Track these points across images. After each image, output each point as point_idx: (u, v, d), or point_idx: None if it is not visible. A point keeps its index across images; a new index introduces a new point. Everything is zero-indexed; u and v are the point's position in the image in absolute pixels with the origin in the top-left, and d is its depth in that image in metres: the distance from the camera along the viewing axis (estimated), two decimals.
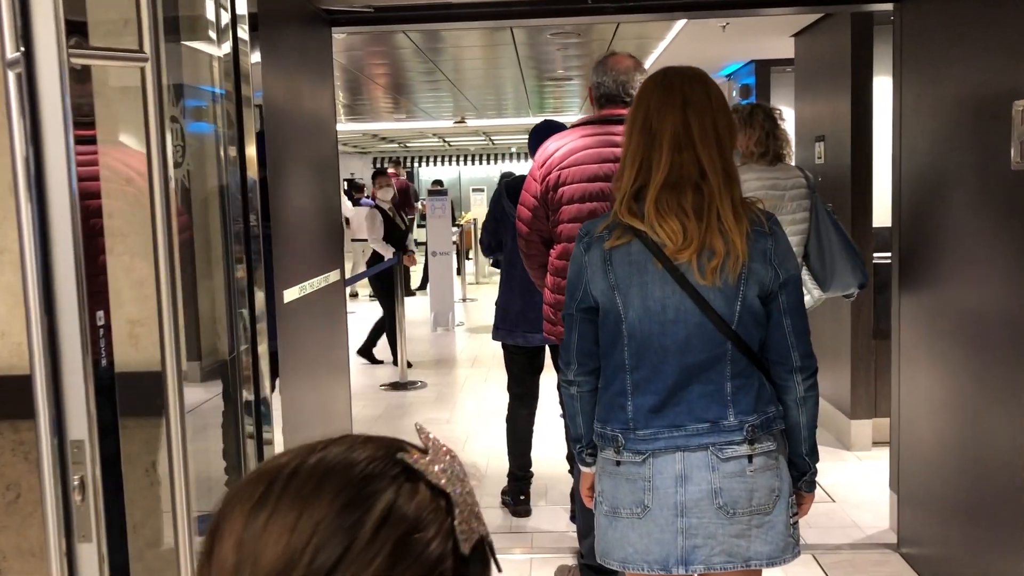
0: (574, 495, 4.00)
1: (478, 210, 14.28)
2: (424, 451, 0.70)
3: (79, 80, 1.52)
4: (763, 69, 6.82)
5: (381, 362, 7.59)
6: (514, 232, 3.86)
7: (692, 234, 1.80)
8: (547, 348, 4.00)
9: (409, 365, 7.24)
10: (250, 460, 2.66)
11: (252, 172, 2.35)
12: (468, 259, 13.20)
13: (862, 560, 3.54)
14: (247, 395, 2.50)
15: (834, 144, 4.89)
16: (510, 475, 4.17)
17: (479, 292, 12.15)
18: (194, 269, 2.46)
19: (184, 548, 1.59)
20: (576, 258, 1.94)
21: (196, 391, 2.82)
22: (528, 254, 3.22)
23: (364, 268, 8.54)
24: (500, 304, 4.04)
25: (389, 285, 7.17)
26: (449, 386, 6.92)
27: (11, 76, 1.41)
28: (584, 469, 2.09)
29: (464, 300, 11.46)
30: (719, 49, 6.53)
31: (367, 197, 10.76)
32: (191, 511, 1.65)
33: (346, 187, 11.92)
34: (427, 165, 21.49)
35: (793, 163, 3.62)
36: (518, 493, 4.12)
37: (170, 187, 1.54)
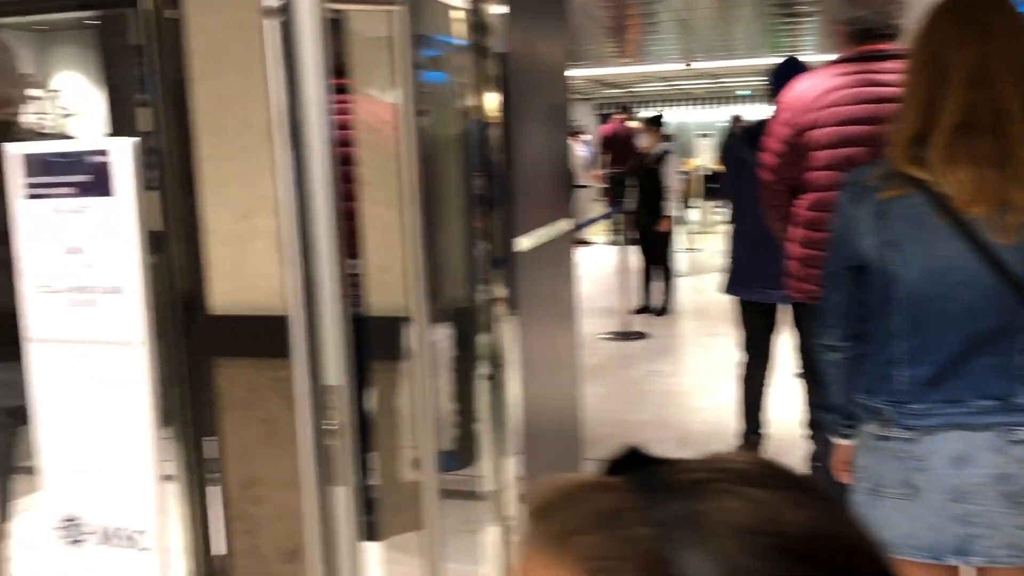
0: (816, 461, 3.77)
1: (703, 156, 13.82)
2: None
3: (335, 28, 1.52)
4: None
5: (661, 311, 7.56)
6: (751, 182, 3.64)
7: (988, 185, 1.56)
8: (780, 305, 3.78)
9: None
10: (482, 403, 2.68)
11: (493, 122, 2.31)
12: (692, 208, 12.83)
13: None
14: (483, 340, 2.50)
15: None
16: (741, 436, 4.00)
17: (703, 242, 11.81)
18: (432, 216, 2.48)
19: (430, 487, 1.60)
20: (842, 210, 1.75)
21: None
22: (772, 205, 3.01)
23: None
24: (732, 257, 3.85)
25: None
26: (673, 338, 6.77)
27: (270, 25, 1.42)
28: (840, 441, 1.92)
29: (688, 250, 11.17)
30: None
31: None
32: (436, 449, 1.66)
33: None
34: (650, 110, 21.06)
35: None
36: None
37: (415, 135, 1.51)
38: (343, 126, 1.95)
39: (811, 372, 3.04)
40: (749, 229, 3.73)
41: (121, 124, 2.63)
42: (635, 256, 7.48)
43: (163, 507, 1.79)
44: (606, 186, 12.74)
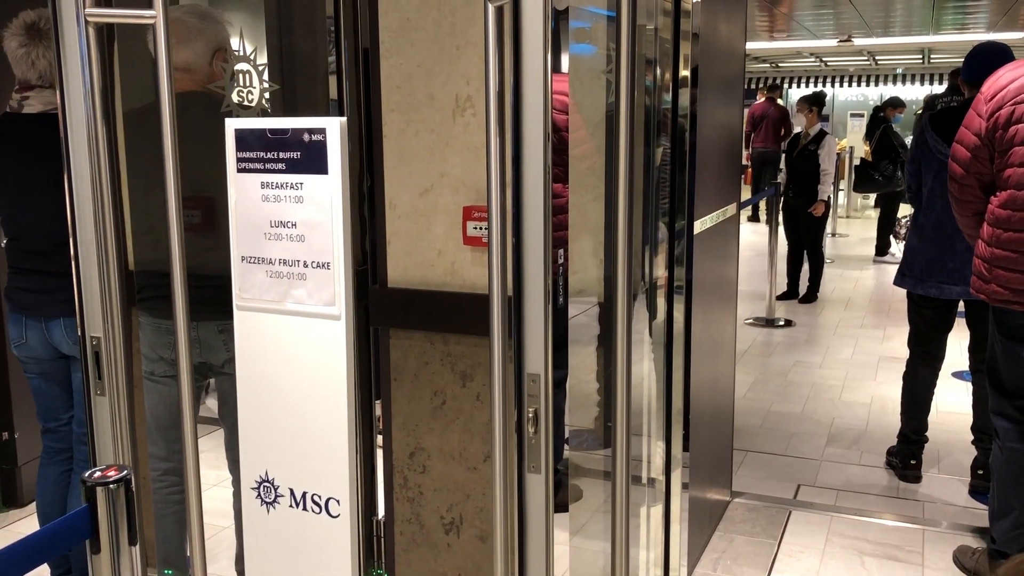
0: (981, 468, 3.60)
1: (854, 137, 13.23)
2: None
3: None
4: None
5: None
6: (936, 171, 3.44)
7: None
8: (962, 304, 3.57)
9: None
10: (645, 385, 2.65)
11: (684, 104, 2.26)
12: (839, 191, 12.34)
13: None
14: (659, 320, 2.47)
15: None
16: (901, 436, 3.83)
17: (850, 227, 11.36)
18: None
19: (621, 464, 1.56)
20: None
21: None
22: (960, 200, 2.84)
23: None
24: (909, 249, 3.66)
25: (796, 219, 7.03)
26: (819, 327, 6.54)
27: (491, 9, 1.41)
28: None
29: (834, 235, 10.76)
30: None
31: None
32: (630, 431, 1.62)
33: None
34: (799, 86, 20.29)
35: None
36: (908, 457, 3.78)
37: (631, 122, 1.48)
38: (558, 107, 1.94)
39: (991, 376, 2.87)
40: (930, 220, 3.51)
41: (294, 96, 2.70)
42: (782, 239, 7.25)
43: (356, 477, 1.85)
44: (746, 164, 12.37)
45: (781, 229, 6.97)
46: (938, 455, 3.97)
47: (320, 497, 1.85)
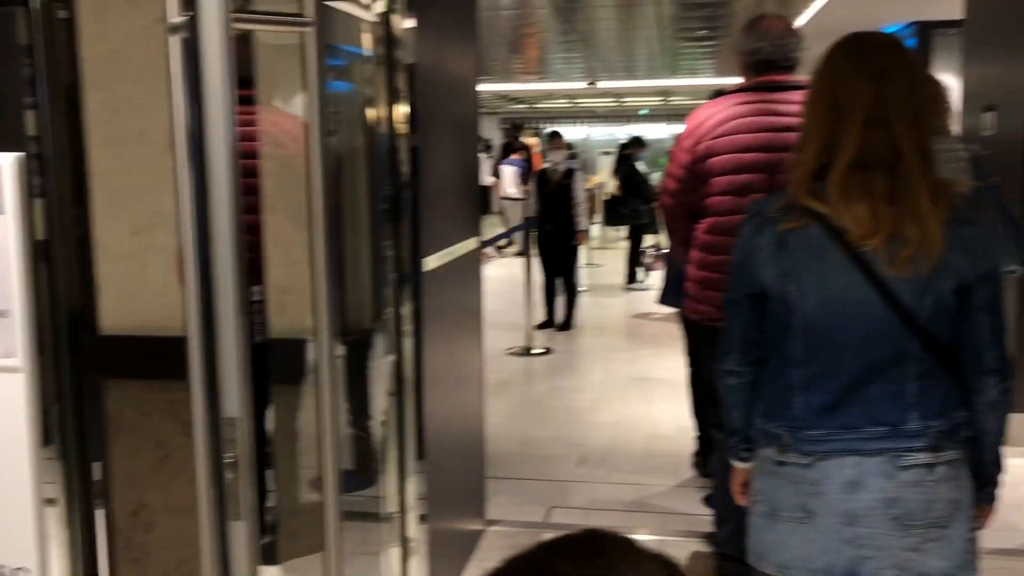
0: (711, 476, 3.86)
1: (604, 174, 14.06)
2: None
3: (241, 44, 1.48)
4: (925, 32, 6.33)
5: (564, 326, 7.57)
6: None
7: (882, 220, 1.62)
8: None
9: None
10: (383, 422, 2.65)
11: (400, 136, 2.29)
12: (592, 223, 13.01)
13: None
14: (390, 358, 2.47)
15: (1009, 114, 4.48)
16: (700, 433, 4.12)
17: (604, 257, 11.99)
18: (339, 233, 2.43)
19: (332, 509, 1.58)
20: (744, 240, 1.79)
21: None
22: (672, 228, 3.08)
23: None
24: (668, 269, 3.97)
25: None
26: (575, 354, 6.83)
27: (172, 41, 1.37)
28: (738, 465, 1.96)
29: (588, 265, 11.30)
30: (876, 10, 6.11)
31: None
32: (339, 472, 1.64)
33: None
34: (555, 127, 21.32)
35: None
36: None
37: (326, 154, 1.48)
38: (247, 138, 1.90)
39: (708, 391, 3.12)
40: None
41: None
42: (537, 271, 7.54)
43: (46, 542, 1.69)
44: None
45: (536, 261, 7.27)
46: (675, 467, 4.23)
47: (7, 569, 1.67)
